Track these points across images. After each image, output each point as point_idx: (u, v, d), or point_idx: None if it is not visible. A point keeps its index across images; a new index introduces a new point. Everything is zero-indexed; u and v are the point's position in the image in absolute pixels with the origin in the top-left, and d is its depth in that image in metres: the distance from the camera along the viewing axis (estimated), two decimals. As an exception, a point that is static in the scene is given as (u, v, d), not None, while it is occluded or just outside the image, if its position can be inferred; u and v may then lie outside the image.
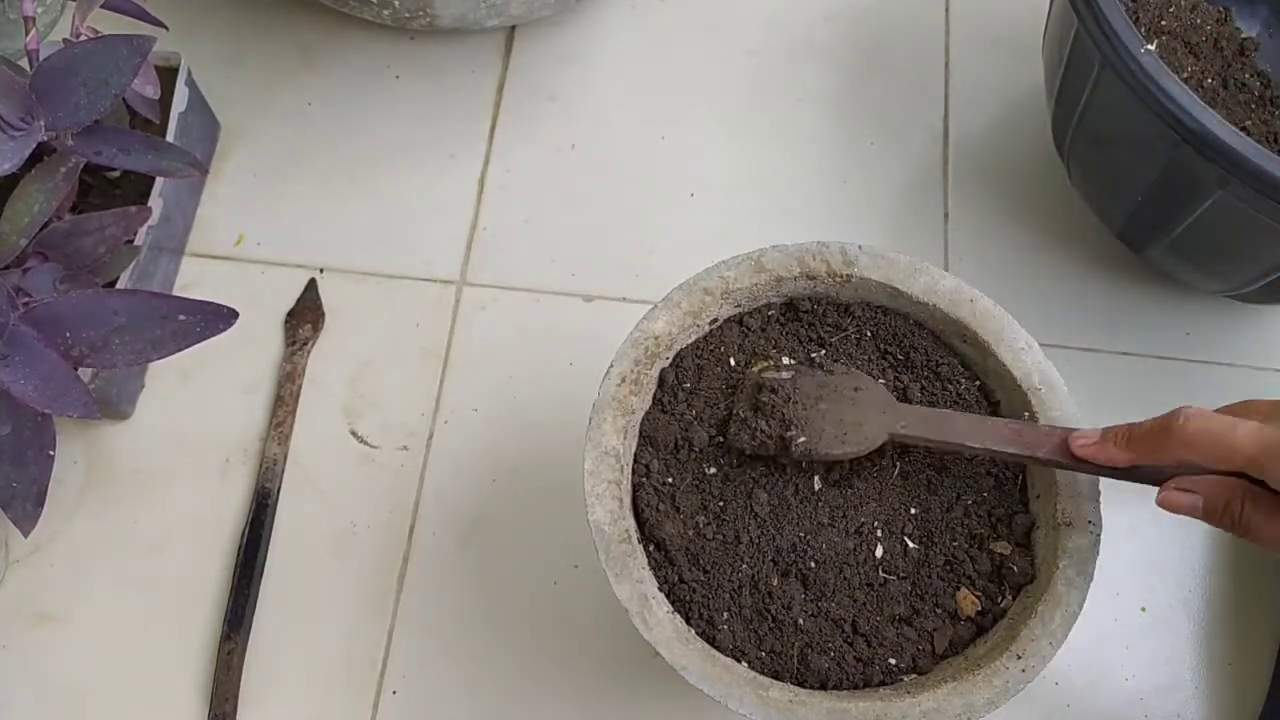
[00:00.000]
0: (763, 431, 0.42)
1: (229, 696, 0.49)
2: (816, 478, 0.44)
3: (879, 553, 0.43)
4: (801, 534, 0.43)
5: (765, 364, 0.44)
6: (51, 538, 0.52)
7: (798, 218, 0.61)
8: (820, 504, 0.43)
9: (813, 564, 0.42)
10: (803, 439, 0.42)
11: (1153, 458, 0.39)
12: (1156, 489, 0.40)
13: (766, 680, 0.40)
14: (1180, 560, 0.54)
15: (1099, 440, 0.40)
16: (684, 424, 0.44)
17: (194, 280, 0.58)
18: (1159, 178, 0.48)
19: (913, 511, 0.44)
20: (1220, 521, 0.38)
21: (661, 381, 0.45)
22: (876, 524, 0.43)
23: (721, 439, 0.44)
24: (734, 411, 0.43)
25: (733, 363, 0.46)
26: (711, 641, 0.41)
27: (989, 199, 0.61)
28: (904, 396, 0.45)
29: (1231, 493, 0.37)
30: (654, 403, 0.45)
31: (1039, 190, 0.61)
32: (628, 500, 0.43)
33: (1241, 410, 0.38)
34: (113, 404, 0.53)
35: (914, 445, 0.43)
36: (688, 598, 0.42)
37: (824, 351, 0.46)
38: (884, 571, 0.43)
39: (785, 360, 0.44)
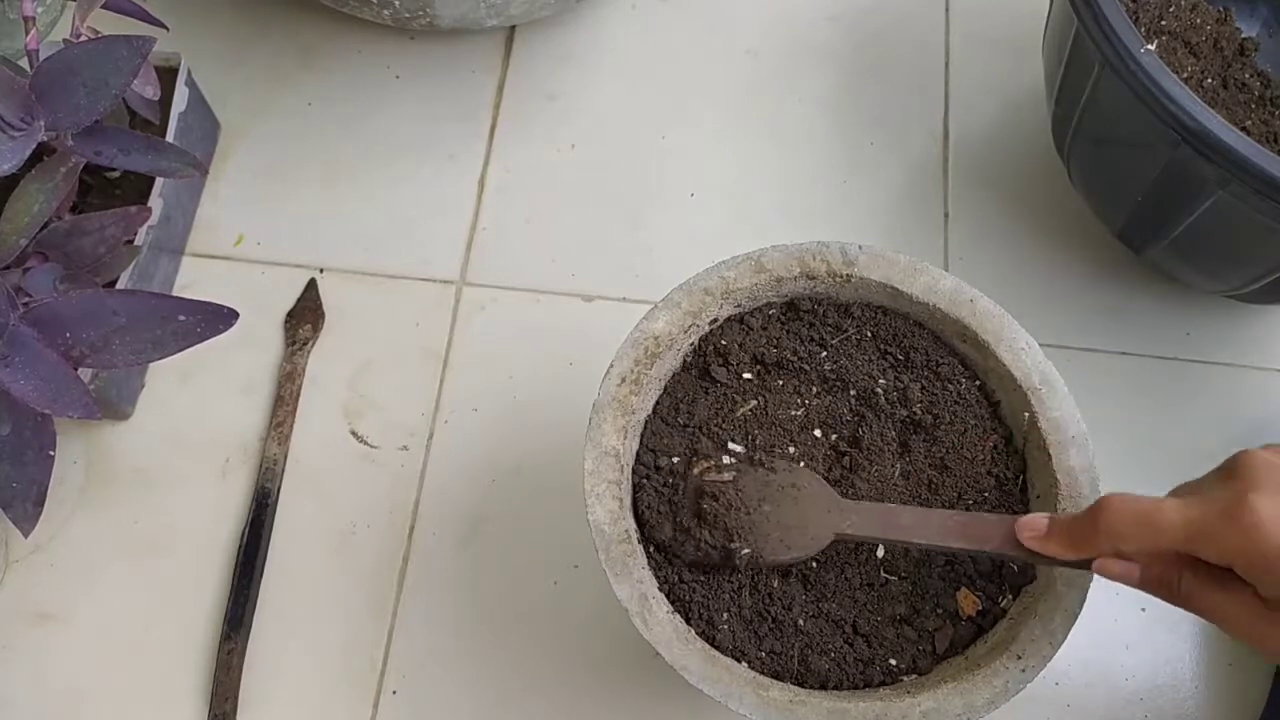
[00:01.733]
0: (706, 542, 0.41)
1: (229, 696, 0.49)
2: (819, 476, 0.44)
3: (880, 553, 0.43)
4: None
5: (706, 464, 0.43)
6: (51, 538, 0.52)
7: (798, 218, 0.61)
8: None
9: (814, 564, 0.42)
10: (746, 550, 0.41)
11: (1087, 550, 0.38)
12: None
13: (767, 680, 0.40)
14: (1180, 560, 0.54)
15: (1043, 533, 0.39)
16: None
17: (194, 280, 0.58)
18: (1159, 178, 0.48)
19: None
20: (1157, 592, 0.37)
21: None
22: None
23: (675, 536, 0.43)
24: (677, 520, 0.42)
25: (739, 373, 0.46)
26: (711, 642, 0.41)
27: (989, 199, 0.61)
28: (904, 396, 0.45)
29: (1167, 565, 0.37)
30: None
31: (1039, 190, 0.61)
32: (628, 500, 0.43)
33: (1173, 492, 0.37)
34: (113, 404, 0.53)
35: (863, 542, 0.42)
36: (688, 598, 0.42)
37: (825, 354, 0.46)
38: (885, 571, 0.43)
39: (725, 459, 0.43)
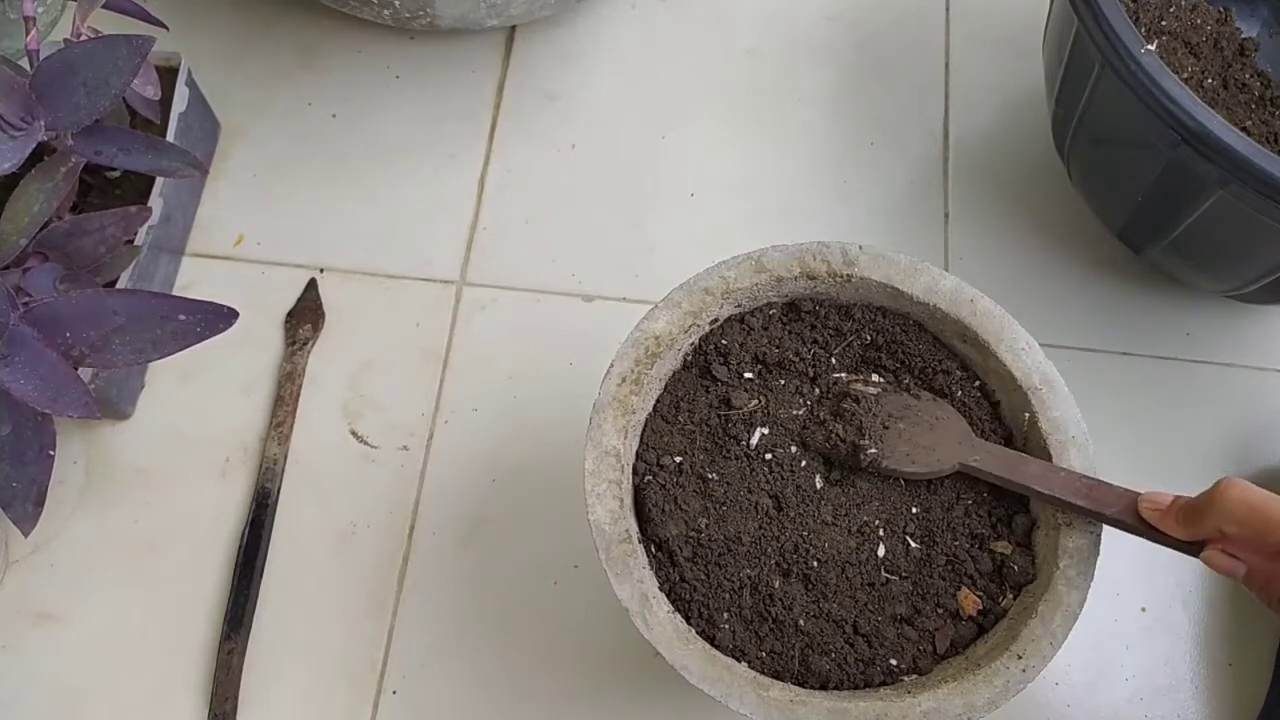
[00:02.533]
0: (838, 435, 0.43)
1: (229, 696, 0.49)
2: (818, 476, 0.44)
3: (881, 552, 0.43)
4: (803, 534, 0.43)
5: (856, 378, 0.45)
6: (51, 538, 0.52)
7: (798, 218, 0.61)
8: (823, 504, 0.43)
9: (815, 564, 0.43)
10: (873, 450, 0.43)
11: (1199, 530, 0.39)
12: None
13: (767, 680, 0.40)
14: (1180, 560, 0.53)
15: (1163, 509, 0.40)
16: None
17: (194, 280, 0.58)
18: (1159, 178, 0.48)
19: (914, 511, 0.44)
20: (1260, 593, 0.39)
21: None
22: (878, 523, 0.43)
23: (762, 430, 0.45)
24: (814, 412, 0.44)
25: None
26: (712, 641, 0.41)
27: (989, 199, 0.61)
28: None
29: (1275, 572, 0.38)
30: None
31: (1039, 190, 0.61)
32: (628, 500, 0.43)
33: None
34: (113, 404, 0.53)
35: (981, 478, 0.44)
36: (688, 597, 0.42)
37: (825, 353, 0.46)
38: (886, 571, 0.43)
39: (874, 378, 0.46)
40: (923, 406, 0.44)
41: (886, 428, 0.43)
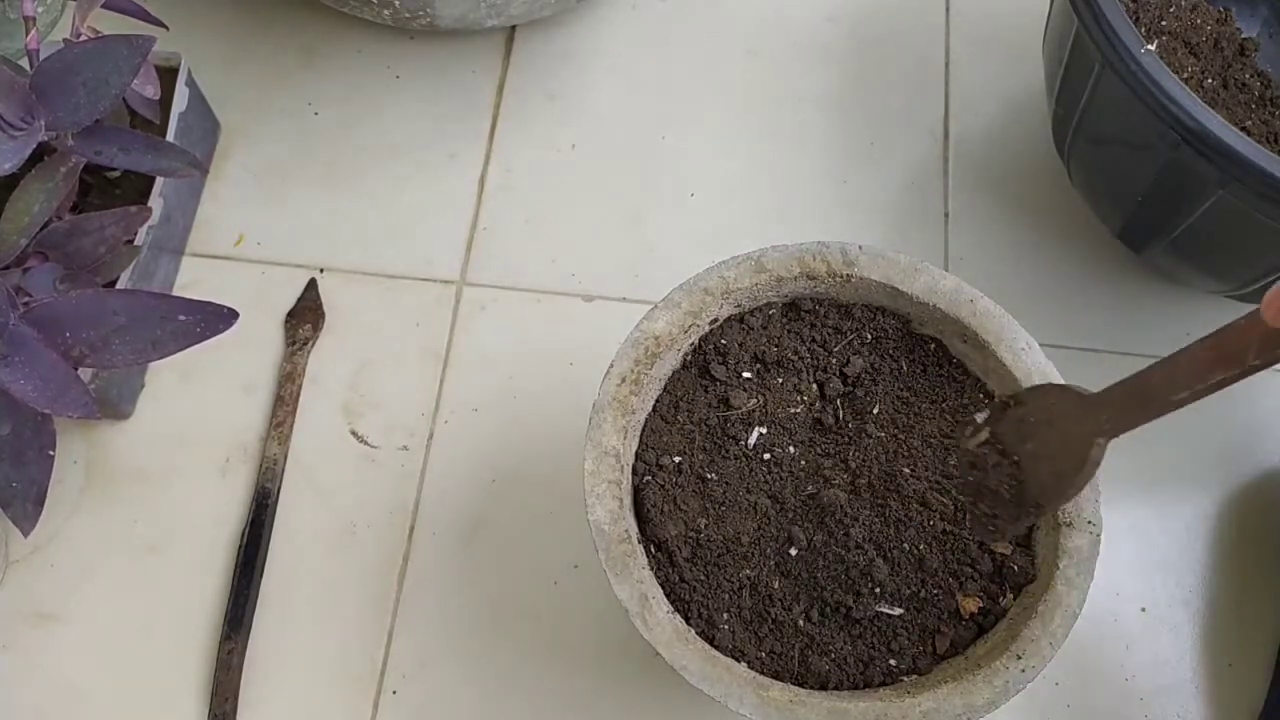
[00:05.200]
0: (1001, 520, 0.39)
1: (229, 696, 0.49)
2: (816, 480, 0.44)
3: (881, 552, 0.43)
4: (803, 534, 0.43)
5: (969, 429, 0.39)
6: (51, 538, 0.52)
7: (798, 218, 0.61)
8: (823, 504, 0.43)
9: (816, 563, 0.43)
10: (1044, 502, 0.38)
11: None
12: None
13: (767, 680, 0.40)
14: (1180, 560, 0.54)
15: None
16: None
17: (194, 280, 0.58)
18: (1159, 178, 0.48)
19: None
20: None
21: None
22: (879, 523, 0.43)
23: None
24: (969, 509, 0.41)
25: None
26: (711, 641, 0.41)
27: (989, 199, 0.61)
28: (905, 400, 0.45)
29: None
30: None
31: (1039, 190, 0.61)
32: (628, 500, 0.43)
33: None
34: (113, 404, 0.53)
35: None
36: (688, 598, 0.42)
37: (825, 353, 0.46)
38: (886, 571, 0.43)
39: (978, 418, 0.40)
40: (1030, 409, 0.38)
41: (1024, 463, 0.38)
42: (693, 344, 0.46)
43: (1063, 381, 0.43)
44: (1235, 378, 0.33)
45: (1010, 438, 0.39)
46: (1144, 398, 0.35)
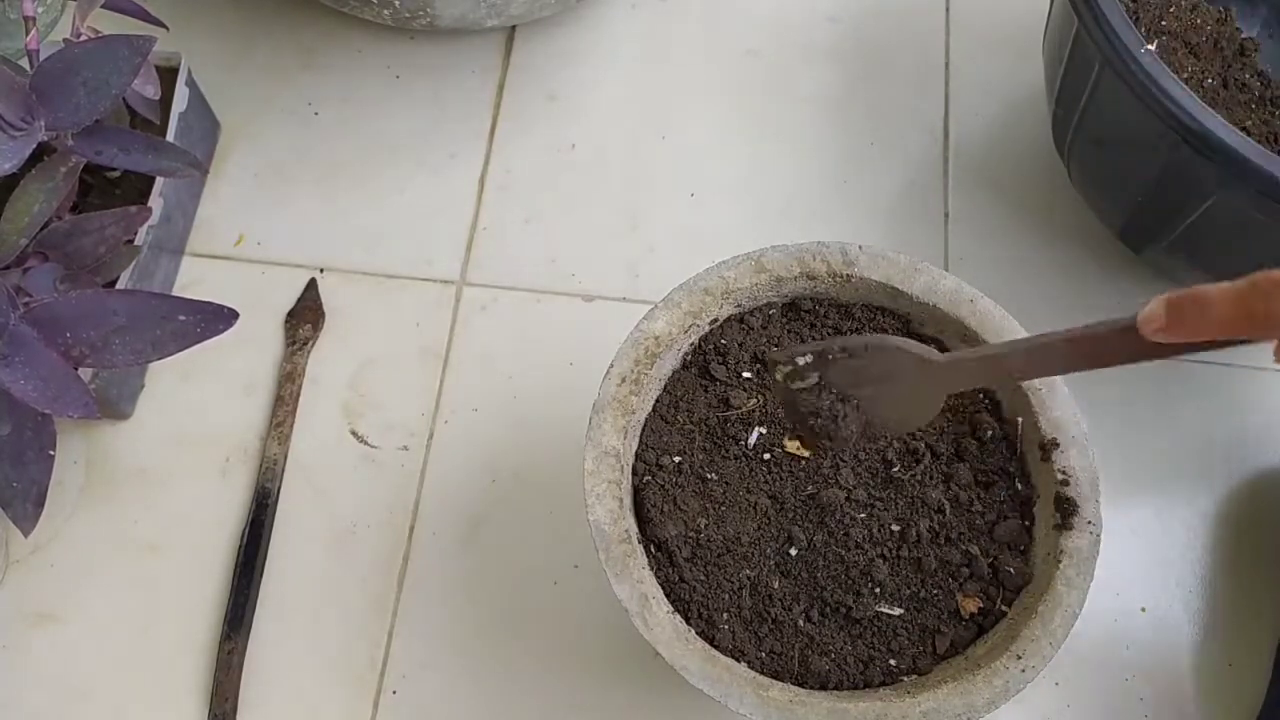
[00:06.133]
0: (826, 442, 0.40)
1: (229, 696, 0.49)
2: (816, 480, 0.44)
3: (881, 552, 0.43)
4: (803, 534, 0.43)
5: (784, 370, 0.40)
6: (51, 538, 0.52)
7: (798, 218, 0.61)
8: (823, 504, 0.43)
9: (816, 563, 0.43)
10: (871, 435, 0.40)
11: (1243, 329, 0.34)
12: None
13: (767, 680, 0.40)
14: (1180, 560, 0.54)
15: (1169, 321, 0.33)
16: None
17: (194, 280, 0.58)
18: (1159, 178, 0.48)
19: (910, 512, 0.44)
20: None
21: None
22: (875, 525, 0.43)
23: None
24: (789, 428, 0.42)
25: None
26: (711, 642, 0.41)
27: (989, 199, 0.61)
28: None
29: None
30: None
31: (1039, 190, 0.61)
32: (628, 500, 0.43)
33: None
34: (113, 404, 0.53)
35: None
36: (687, 598, 0.42)
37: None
38: (885, 571, 0.43)
39: (801, 360, 0.39)
40: (868, 362, 0.39)
41: (859, 404, 0.39)
42: (693, 344, 0.46)
43: (1065, 381, 0.43)
44: (1103, 365, 0.35)
45: (843, 382, 0.39)
46: (997, 372, 0.38)
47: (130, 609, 0.51)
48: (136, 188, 0.55)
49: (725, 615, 0.42)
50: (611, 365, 0.43)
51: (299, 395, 0.55)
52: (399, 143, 0.62)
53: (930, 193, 0.62)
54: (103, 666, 0.50)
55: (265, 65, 0.64)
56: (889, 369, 0.39)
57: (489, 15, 0.57)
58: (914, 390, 0.39)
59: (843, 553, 0.43)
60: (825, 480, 0.44)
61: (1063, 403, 0.44)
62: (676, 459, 0.44)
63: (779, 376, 0.40)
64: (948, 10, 0.67)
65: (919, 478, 0.44)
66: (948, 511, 0.44)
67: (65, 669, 0.50)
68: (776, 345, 0.46)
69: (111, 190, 0.55)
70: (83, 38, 0.45)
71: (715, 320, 0.46)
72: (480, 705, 0.50)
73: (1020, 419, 0.45)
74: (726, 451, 0.44)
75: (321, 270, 0.59)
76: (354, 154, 0.62)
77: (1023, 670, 0.39)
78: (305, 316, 0.57)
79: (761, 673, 0.41)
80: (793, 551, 0.43)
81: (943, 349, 0.46)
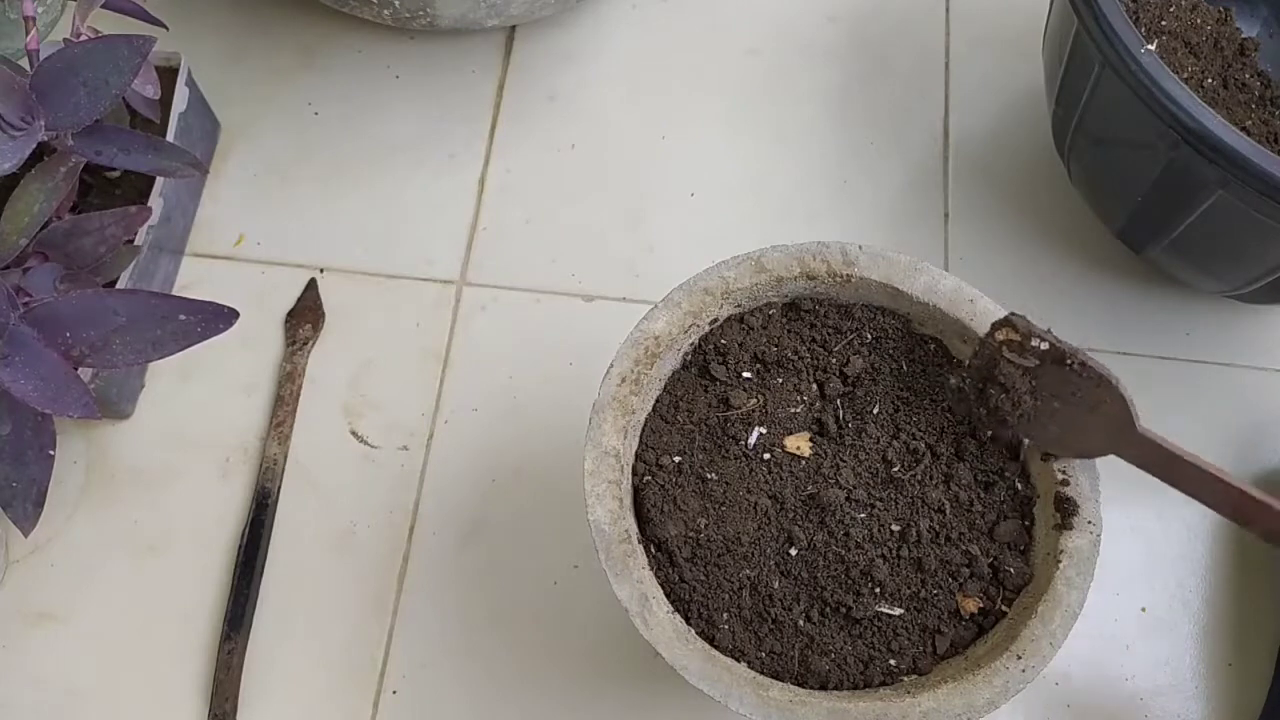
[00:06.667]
0: (981, 420, 0.42)
1: (229, 696, 0.49)
2: (816, 479, 0.44)
3: (881, 552, 0.43)
4: (803, 534, 0.43)
5: (1011, 337, 0.40)
6: (51, 538, 0.52)
7: (798, 218, 0.61)
8: (823, 504, 0.43)
9: (816, 563, 0.43)
10: (1017, 435, 0.41)
11: None
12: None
13: (767, 680, 0.40)
14: (1180, 560, 0.54)
15: None
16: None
17: (194, 280, 0.58)
18: (1159, 178, 0.48)
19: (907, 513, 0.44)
20: None
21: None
22: (878, 524, 0.43)
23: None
24: (962, 378, 0.42)
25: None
26: (711, 641, 0.41)
27: (989, 199, 0.61)
28: (905, 400, 0.45)
29: None
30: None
31: (1039, 190, 0.61)
32: (628, 500, 0.43)
33: None
34: (113, 404, 0.53)
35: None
36: (687, 598, 0.42)
37: (825, 353, 0.46)
38: (885, 571, 0.43)
39: (1035, 343, 0.40)
40: (1083, 384, 0.40)
41: (1038, 406, 0.41)
42: (693, 344, 0.46)
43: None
44: (1244, 525, 0.40)
45: (1048, 386, 0.40)
46: (1168, 470, 0.40)
47: (130, 609, 0.51)
48: (136, 188, 0.55)
49: (725, 615, 0.42)
50: (611, 365, 0.43)
51: (299, 395, 0.55)
52: (399, 143, 0.62)
53: (930, 193, 0.62)
54: (103, 666, 0.50)
55: (265, 65, 0.64)
56: (1097, 403, 0.40)
57: (489, 15, 0.57)
58: (1095, 431, 0.40)
59: (843, 553, 0.43)
60: (825, 480, 0.44)
61: (1063, 403, 0.44)
62: (676, 459, 0.44)
63: (999, 336, 0.40)
64: (948, 10, 0.67)
65: (919, 478, 0.44)
66: (948, 511, 0.44)
67: (65, 669, 0.50)
68: (777, 345, 0.46)
69: (111, 190, 0.55)
70: (83, 38, 0.45)
71: (715, 320, 0.46)
72: (480, 705, 0.50)
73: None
74: (726, 451, 0.44)
75: (321, 270, 0.59)
76: (354, 154, 0.62)
77: (1023, 670, 0.39)
78: (305, 316, 0.57)
79: (761, 673, 0.41)
80: (793, 551, 0.43)
81: (943, 349, 0.47)
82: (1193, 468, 0.40)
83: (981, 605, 0.42)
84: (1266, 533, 0.39)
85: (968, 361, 0.44)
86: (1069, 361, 0.40)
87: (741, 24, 0.66)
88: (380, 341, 0.57)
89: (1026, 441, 0.42)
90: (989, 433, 0.43)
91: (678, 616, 0.41)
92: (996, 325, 0.42)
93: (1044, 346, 0.40)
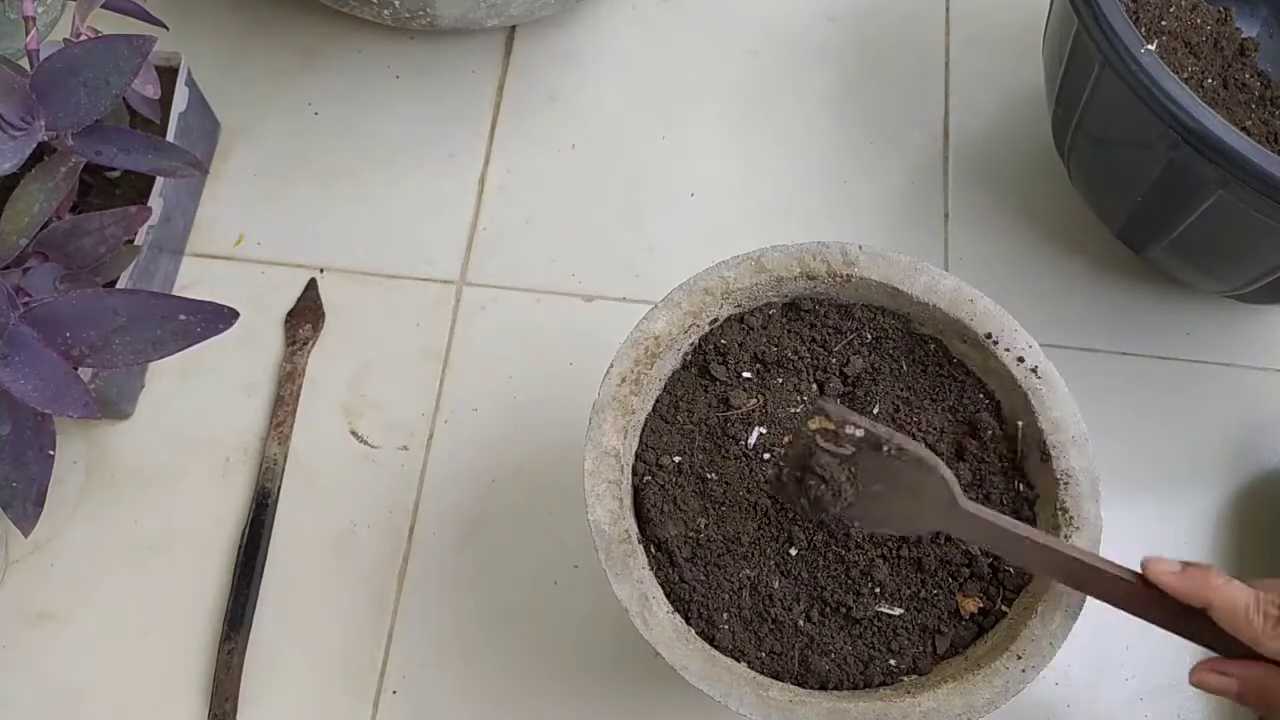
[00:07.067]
0: (801, 508, 0.41)
1: (229, 696, 0.49)
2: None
3: (881, 552, 0.43)
4: (803, 534, 0.43)
5: (825, 425, 0.39)
6: (51, 538, 0.52)
7: (798, 218, 0.61)
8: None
9: (816, 563, 0.43)
10: (836, 517, 0.40)
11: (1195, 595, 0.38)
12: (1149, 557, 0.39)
13: (767, 680, 0.40)
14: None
15: (1179, 579, 0.38)
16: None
17: (194, 280, 0.58)
18: (1159, 178, 0.48)
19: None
20: (1256, 707, 0.38)
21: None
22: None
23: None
24: (780, 468, 0.41)
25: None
26: (711, 642, 0.41)
27: (989, 199, 0.61)
28: (906, 400, 0.45)
29: (1269, 681, 0.37)
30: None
31: (1039, 190, 0.61)
32: (628, 500, 0.43)
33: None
34: (113, 404, 0.53)
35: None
36: (687, 597, 0.42)
37: (825, 353, 0.46)
38: (885, 572, 0.43)
39: (850, 430, 0.39)
40: (902, 467, 0.39)
41: (859, 493, 0.40)
42: (693, 344, 0.46)
43: (1065, 381, 0.44)
44: (1092, 595, 0.40)
45: (867, 472, 0.39)
46: (999, 544, 0.40)
47: (130, 609, 0.51)
48: (136, 188, 0.55)
49: (725, 615, 0.42)
50: (611, 365, 0.43)
51: (299, 395, 0.55)
52: (399, 143, 0.62)
53: (930, 193, 0.62)
54: (103, 666, 0.50)
55: (265, 65, 0.64)
56: (919, 486, 0.39)
57: (489, 15, 0.57)
58: (920, 511, 0.40)
59: (843, 553, 0.43)
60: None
61: (1063, 403, 0.44)
62: (676, 459, 0.44)
63: (812, 425, 0.40)
64: (948, 10, 0.67)
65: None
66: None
67: (65, 669, 0.50)
68: (777, 345, 0.46)
69: (111, 190, 0.55)
70: (83, 37, 0.45)
71: (715, 320, 0.46)
72: (480, 705, 0.50)
73: (1020, 420, 0.45)
74: (726, 451, 0.44)
75: (321, 270, 0.59)
76: (354, 154, 0.62)
77: (1023, 670, 0.39)
78: (305, 316, 0.57)
79: (761, 673, 0.41)
80: (793, 551, 0.43)
81: (943, 349, 0.47)
82: (1021, 539, 0.39)
83: (981, 605, 0.42)
84: (1104, 594, 0.39)
85: (782, 452, 0.43)
86: (885, 447, 0.39)
87: (741, 24, 0.66)
88: (380, 341, 0.57)
89: (848, 526, 0.42)
90: (813, 522, 0.43)
91: (678, 616, 0.41)
92: (809, 414, 0.42)
93: (859, 434, 0.39)
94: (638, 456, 0.44)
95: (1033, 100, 0.63)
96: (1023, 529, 0.39)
